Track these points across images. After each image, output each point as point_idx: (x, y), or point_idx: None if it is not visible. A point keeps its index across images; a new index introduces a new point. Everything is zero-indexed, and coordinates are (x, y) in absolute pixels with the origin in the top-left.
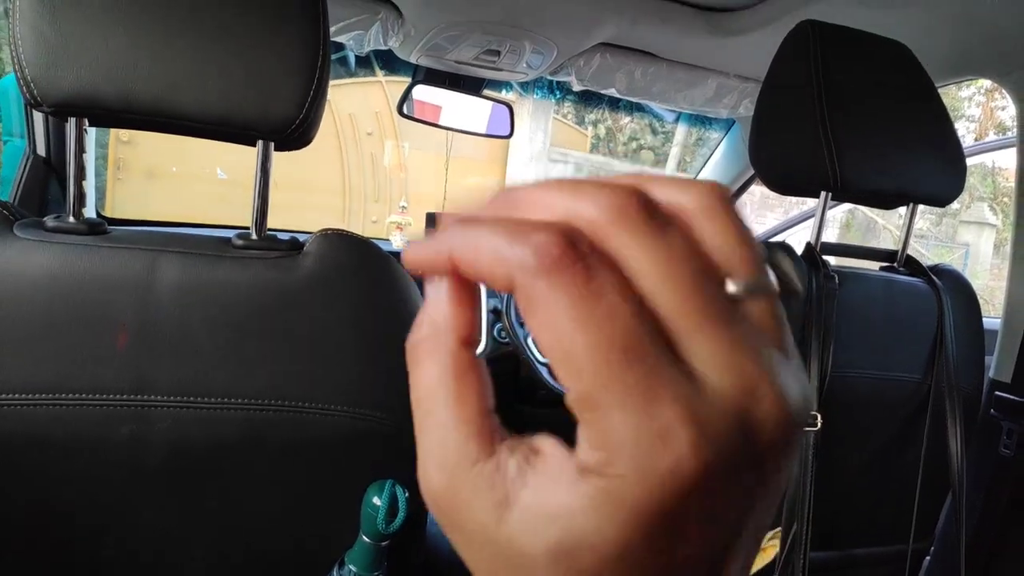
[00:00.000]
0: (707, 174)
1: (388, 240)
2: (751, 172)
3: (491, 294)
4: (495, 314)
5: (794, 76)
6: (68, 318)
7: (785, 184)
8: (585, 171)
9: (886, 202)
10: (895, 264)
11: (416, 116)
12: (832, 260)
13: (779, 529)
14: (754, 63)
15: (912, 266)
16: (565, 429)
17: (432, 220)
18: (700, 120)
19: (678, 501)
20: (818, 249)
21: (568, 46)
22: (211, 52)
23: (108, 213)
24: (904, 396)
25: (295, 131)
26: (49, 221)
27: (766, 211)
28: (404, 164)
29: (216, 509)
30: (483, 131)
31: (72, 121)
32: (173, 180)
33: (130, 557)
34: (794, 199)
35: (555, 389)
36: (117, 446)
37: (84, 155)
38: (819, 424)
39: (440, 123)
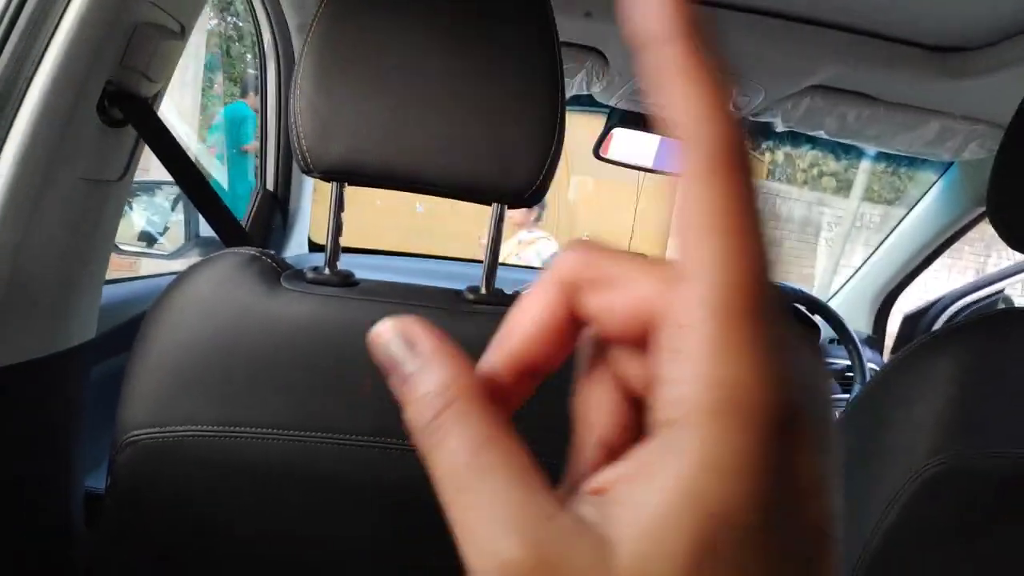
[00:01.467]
0: (919, 216)
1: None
2: (971, 217)
3: None
4: None
5: None
6: (323, 364)
7: None
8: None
9: None
10: None
11: (609, 157)
12: None
13: None
14: (986, 104)
15: None
16: None
17: None
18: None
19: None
20: None
21: (777, 89)
22: (461, 123)
23: (312, 234)
24: None
25: (532, 195)
26: (308, 273)
27: (964, 245)
28: (588, 198)
29: (431, 541)
30: (673, 170)
31: (335, 185)
32: (374, 209)
33: None
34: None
35: None
36: (359, 485)
37: (342, 213)
38: None
39: (631, 163)
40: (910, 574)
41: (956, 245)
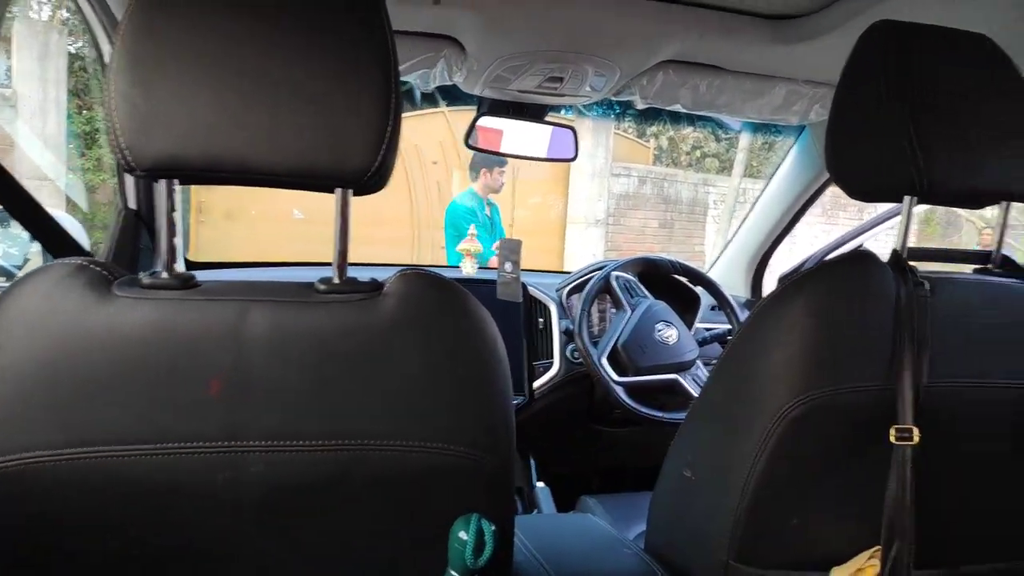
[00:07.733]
0: (779, 182)
1: (458, 268)
2: (825, 177)
3: (562, 315)
4: (567, 335)
5: (870, 78)
6: (165, 371)
7: (867, 191)
8: (648, 184)
9: (977, 202)
10: (990, 265)
11: (482, 147)
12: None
13: (878, 548)
14: (824, 68)
15: (1008, 266)
16: (641, 448)
17: (506, 245)
18: (766, 125)
19: None
20: (904, 256)
21: (631, 66)
22: (287, 110)
23: (192, 255)
24: (1010, 402)
25: (371, 178)
26: (144, 278)
27: (838, 211)
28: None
29: (309, 543)
30: (547, 156)
31: (163, 183)
32: (252, 221)
33: None
34: None
35: (631, 409)
36: (214, 492)
37: (174, 212)
38: (915, 438)
39: (505, 151)
40: (785, 510)
41: (832, 211)
